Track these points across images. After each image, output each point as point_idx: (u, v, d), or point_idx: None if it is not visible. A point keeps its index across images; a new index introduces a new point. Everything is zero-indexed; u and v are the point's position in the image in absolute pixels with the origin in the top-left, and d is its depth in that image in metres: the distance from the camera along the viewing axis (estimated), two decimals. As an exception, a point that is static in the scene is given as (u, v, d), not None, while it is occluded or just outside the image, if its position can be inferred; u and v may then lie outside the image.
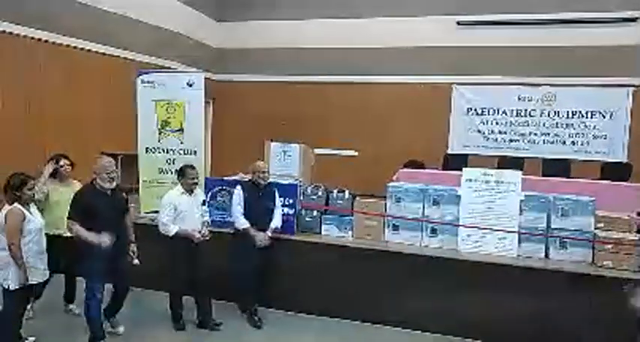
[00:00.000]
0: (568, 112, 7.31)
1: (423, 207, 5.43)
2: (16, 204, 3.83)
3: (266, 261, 5.00)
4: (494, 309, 4.74)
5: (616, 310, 4.44)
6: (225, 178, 6.09)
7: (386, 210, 5.51)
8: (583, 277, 4.66)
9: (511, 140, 7.57)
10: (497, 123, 7.62)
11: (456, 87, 7.96)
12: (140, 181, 6.19)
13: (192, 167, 4.81)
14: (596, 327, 4.49)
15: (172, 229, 4.62)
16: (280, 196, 5.41)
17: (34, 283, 3.92)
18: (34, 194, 3.99)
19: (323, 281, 5.23)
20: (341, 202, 5.71)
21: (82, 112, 7.86)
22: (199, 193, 4.94)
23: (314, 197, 5.76)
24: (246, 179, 5.40)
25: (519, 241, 5.12)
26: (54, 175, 4.81)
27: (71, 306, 5.04)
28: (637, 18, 8.97)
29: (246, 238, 4.92)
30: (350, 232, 5.56)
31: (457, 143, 7.78)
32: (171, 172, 6.00)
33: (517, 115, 7.53)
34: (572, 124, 7.29)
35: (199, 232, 4.71)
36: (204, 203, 4.97)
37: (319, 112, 10.34)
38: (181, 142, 6.12)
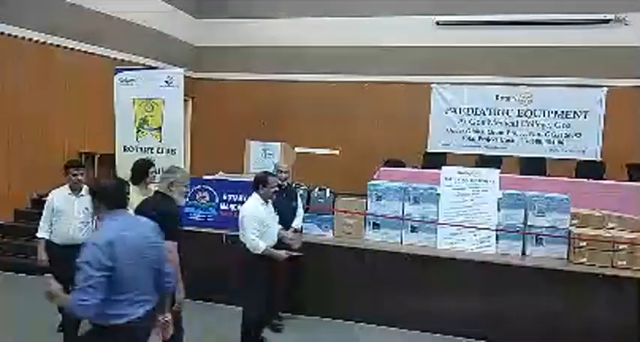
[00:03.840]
0: (544, 111, 7.46)
1: (403, 205, 5.47)
2: None
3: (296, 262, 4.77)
4: (471, 304, 4.81)
5: (593, 305, 4.58)
6: (205, 177, 6.04)
7: (366, 208, 5.54)
8: (560, 273, 4.76)
9: (489, 139, 7.69)
10: (475, 122, 7.72)
11: (435, 86, 8.04)
12: (118, 181, 6.09)
13: (273, 174, 4.46)
14: (575, 322, 4.59)
15: (262, 246, 4.11)
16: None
17: None
18: (127, 199, 3.86)
19: (305, 280, 5.22)
20: (322, 200, 5.71)
21: (57, 110, 7.70)
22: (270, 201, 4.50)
23: (295, 196, 5.74)
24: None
25: (497, 238, 5.20)
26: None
27: None
28: (609, 20, 9.20)
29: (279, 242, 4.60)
30: (330, 231, 5.57)
31: (436, 142, 7.87)
32: (156, 172, 5.86)
33: (495, 115, 7.64)
34: (548, 124, 7.44)
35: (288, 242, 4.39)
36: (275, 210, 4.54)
37: (300, 110, 10.33)
38: (160, 141, 6.04)
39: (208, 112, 10.93)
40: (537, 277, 4.76)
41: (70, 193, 4.31)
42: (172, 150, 6.03)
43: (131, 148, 6.07)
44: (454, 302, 4.84)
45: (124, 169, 6.05)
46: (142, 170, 4.58)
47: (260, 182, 4.24)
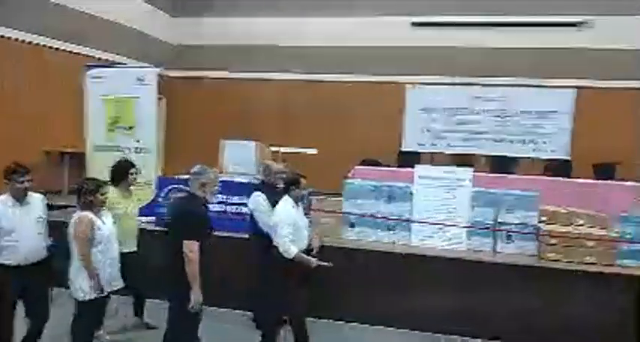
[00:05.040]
0: (516, 111, 7.57)
1: (378, 204, 5.51)
2: (86, 212, 3.63)
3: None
4: (443, 301, 4.87)
5: (561, 300, 4.68)
6: (179, 177, 5.96)
7: (342, 207, 5.56)
8: (530, 269, 4.85)
9: (462, 138, 7.77)
10: (449, 122, 7.80)
11: (410, 86, 8.10)
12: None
13: (304, 176, 4.27)
14: (545, 317, 4.68)
15: (293, 251, 3.97)
16: (235, 195, 5.35)
17: (106, 294, 3.75)
18: (105, 200, 3.75)
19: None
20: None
21: (25, 108, 7.50)
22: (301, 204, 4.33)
23: (270, 195, 5.71)
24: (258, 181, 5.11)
25: (469, 235, 5.28)
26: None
27: (147, 320, 4.71)
28: (579, 23, 9.45)
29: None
30: (306, 230, 5.54)
31: (411, 141, 7.92)
32: None
33: (468, 114, 7.73)
34: (520, 123, 7.55)
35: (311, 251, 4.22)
36: (307, 214, 4.33)
37: (276, 110, 10.31)
38: (133, 140, 5.94)
39: (183, 110, 10.71)
40: (509, 273, 4.84)
41: (13, 204, 3.70)
42: (146, 149, 5.94)
43: (102, 148, 5.96)
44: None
45: (94, 169, 5.93)
46: (121, 171, 4.46)
47: (292, 183, 4.14)
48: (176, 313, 3.54)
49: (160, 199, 5.66)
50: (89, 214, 3.64)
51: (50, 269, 3.87)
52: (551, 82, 8.91)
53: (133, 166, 4.54)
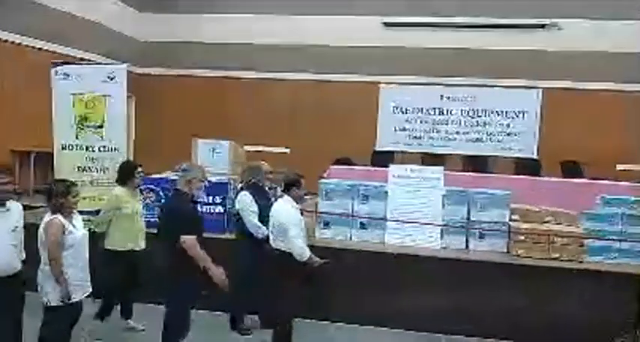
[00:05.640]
0: (486, 111, 7.71)
1: (353, 203, 5.53)
2: (57, 214, 3.49)
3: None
4: (420, 299, 4.92)
5: (532, 297, 4.78)
6: (150, 176, 5.85)
7: (317, 207, 5.57)
8: (502, 266, 4.95)
9: (434, 138, 7.87)
10: (421, 121, 7.88)
11: (383, 86, 8.16)
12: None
13: (303, 176, 4.22)
14: (518, 313, 4.78)
15: (308, 253, 3.98)
16: (210, 195, 5.28)
17: (77, 300, 3.59)
18: (77, 202, 3.61)
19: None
20: (273, 199, 5.66)
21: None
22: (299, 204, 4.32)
23: (244, 195, 5.66)
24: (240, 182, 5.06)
25: (442, 234, 5.36)
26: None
27: (130, 322, 4.69)
28: (545, 25, 9.72)
29: (263, 247, 4.35)
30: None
31: (384, 141, 7.97)
32: (98, 171, 5.62)
33: (439, 114, 7.84)
34: (490, 123, 7.70)
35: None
36: (302, 213, 4.35)
37: (249, 109, 10.23)
38: (102, 139, 5.77)
39: (153, 109, 10.57)
40: (482, 271, 4.93)
41: None
42: (115, 148, 5.78)
43: (70, 147, 5.77)
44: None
45: (63, 168, 5.75)
46: (127, 171, 4.60)
47: (293, 184, 4.11)
48: (175, 314, 3.63)
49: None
50: (60, 217, 3.52)
51: (23, 284, 3.67)
52: (519, 83, 9.15)
53: (139, 165, 4.69)
